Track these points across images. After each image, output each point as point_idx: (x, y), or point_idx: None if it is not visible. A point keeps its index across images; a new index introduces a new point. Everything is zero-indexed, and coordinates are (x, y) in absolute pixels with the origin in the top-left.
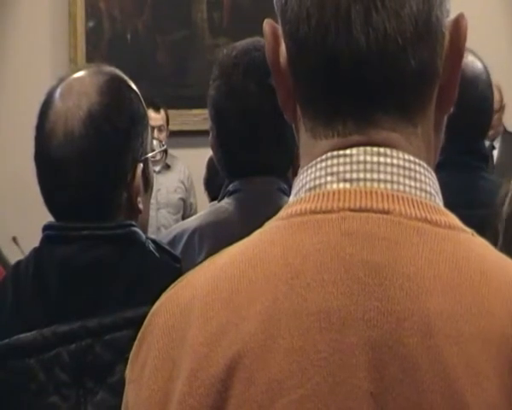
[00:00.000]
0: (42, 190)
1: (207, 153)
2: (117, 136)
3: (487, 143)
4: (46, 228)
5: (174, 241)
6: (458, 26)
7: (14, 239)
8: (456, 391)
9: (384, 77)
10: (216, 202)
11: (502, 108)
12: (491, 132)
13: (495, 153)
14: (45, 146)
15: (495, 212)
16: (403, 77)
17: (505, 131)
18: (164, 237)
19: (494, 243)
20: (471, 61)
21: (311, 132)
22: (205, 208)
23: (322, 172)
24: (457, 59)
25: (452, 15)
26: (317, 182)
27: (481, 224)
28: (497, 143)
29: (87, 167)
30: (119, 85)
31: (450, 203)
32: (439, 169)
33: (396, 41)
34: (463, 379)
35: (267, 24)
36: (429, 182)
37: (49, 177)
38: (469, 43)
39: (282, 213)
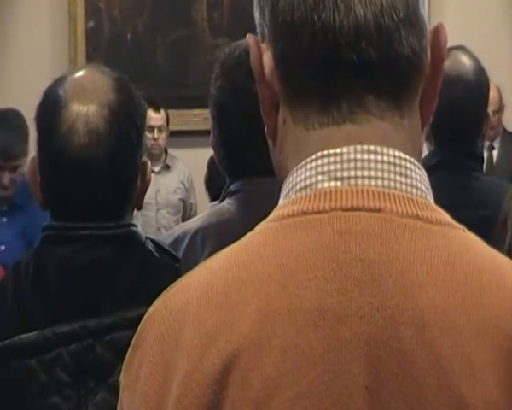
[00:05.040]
0: (51, 190)
1: (207, 153)
2: (136, 132)
3: (487, 143)
4: (45, 228)
5: (176, 242)
6: (438, 34)
7: None
8: (451, 383)
9: (380, 54)
10: (216, 202)
11: (501, 108)
12: (491, 133)
13: (494, 153)
14: (63, 146)
15: (495, 211)
16: (396, 58)
17: (505, 131)
18: (166, 237)
19: (494, 243)
20: (458, 62)
21: (304, 124)
22: (205, 209)
23: (313, 172)
24: (438, 67)
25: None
26: (308, 182)
27: (477, 224)
28: (496, 144)
29: (113, 165)
30: (127, 83)
31: (444, 205)
32: (433, 171)
33: (391, 16)
34: (458, 371)
35: (250, 37)
36: (420, 179)
37: (66, 177)
38: (469, 43)
39: (273, 215)
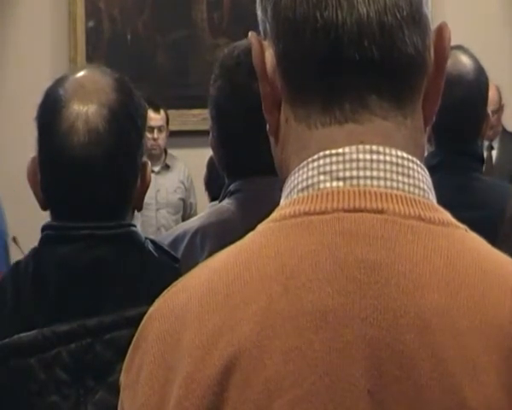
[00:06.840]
0: (51, 190)
1: (207, 153)
2: (135, 132)
3: (486, 142)
4: (45, 228)
5: (176, 241)
6: (442, 34)
7: (14, 239)
8: (453, 385)
9: (383, 53)
10: (216, 202)
11: (501, 107)
12: (490, 132)
13: (494, 153)
14: (63, 145)
15: (496, 212)
16: (399, 56)
17: (504, 131)
18: (165, 237)
19: (498, 243)
20: (458, 61)
21: (306, 123)
22: (205, 208)
23: (315, 172)
24: (441, 66)
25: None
26: (310, 182)
27: (478, 225)
28: (496, 143)
29: (113, 165)
30: (128, 84)
31: (445, 205)
32: (434, 172)
33: (394, 15)
34: (461, 373)
35: (252, 35)
36: (422, 178)
37: (66, 177)
38: (469, 43)
39: (274, 215)
